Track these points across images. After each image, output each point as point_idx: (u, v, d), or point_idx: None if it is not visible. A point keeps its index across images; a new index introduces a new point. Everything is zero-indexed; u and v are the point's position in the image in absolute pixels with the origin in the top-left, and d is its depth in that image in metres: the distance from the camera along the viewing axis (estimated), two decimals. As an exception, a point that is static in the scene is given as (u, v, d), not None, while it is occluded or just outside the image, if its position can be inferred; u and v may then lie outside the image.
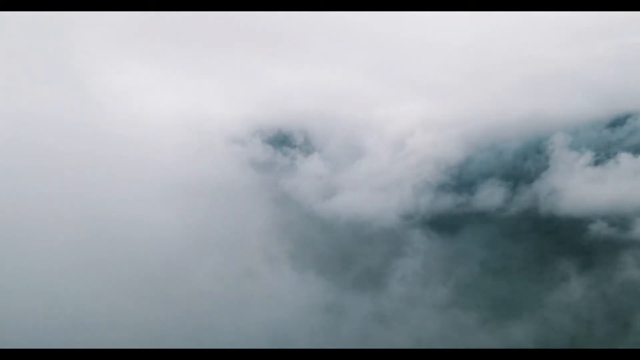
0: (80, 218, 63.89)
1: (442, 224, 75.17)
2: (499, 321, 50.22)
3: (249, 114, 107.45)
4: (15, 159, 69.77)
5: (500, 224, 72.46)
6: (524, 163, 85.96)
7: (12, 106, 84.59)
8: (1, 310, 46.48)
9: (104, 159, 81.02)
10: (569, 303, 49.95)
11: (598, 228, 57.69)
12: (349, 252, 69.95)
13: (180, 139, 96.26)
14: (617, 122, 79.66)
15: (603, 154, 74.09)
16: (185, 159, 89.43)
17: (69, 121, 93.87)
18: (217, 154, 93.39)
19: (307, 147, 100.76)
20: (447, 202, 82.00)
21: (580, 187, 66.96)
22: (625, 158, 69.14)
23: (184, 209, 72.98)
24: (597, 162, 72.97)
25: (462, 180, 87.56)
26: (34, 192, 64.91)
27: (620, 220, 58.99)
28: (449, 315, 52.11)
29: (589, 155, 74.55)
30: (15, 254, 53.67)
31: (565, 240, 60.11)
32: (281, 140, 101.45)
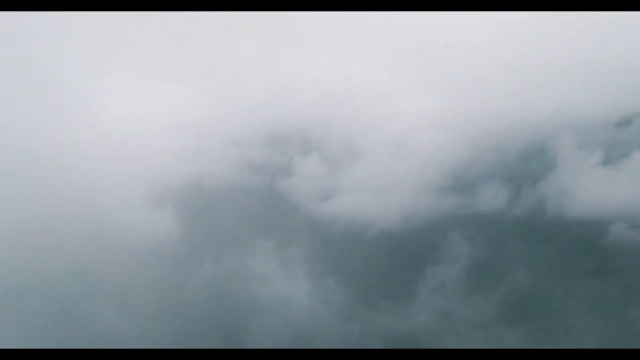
0: (75, 222, 63.14)
1: (445, 226, 73.57)
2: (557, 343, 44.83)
3: (246, 115, 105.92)
4: (6, 163, 68.97)
5: (504, 226, 70.85)
6: (528, 164, 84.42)
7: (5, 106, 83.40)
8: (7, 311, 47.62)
9: (98, 161, 79.78)
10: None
11: (618, 230, 55.19)
12: (367, 257, 67.76)
13: (176, 141, 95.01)
14: (625, 122, 78.27)
15: (617, 153, 72.24)
16: (182, 161, 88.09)
17: (62, 123, 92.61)
18: (215, 156, 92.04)
19: (305, 146, 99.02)
20: (449, 203, 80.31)
21: (592, 188, 64.94)
22: (638, 157, 67.29)
23: (181, 212, 71.70)
24: (606, 162, 71.31)
25: (464, 181, 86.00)
26: (25, 195, 64.04)
27: (640, 222, 56.43)
28: (492, 334, 47.49)
29: (599, 155, 72.81)
30: (12, 256, 53.62)
31: (584, 243, 57.49)
32: (279, 141, 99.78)
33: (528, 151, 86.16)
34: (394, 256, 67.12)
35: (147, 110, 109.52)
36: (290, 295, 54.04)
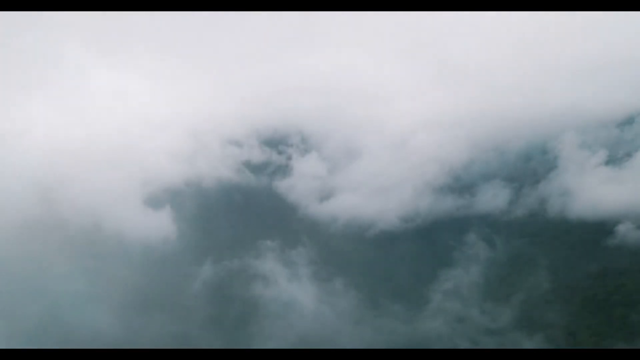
0: (71, 223, 62.53)
1: (445, 227, 72.90)
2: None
3: (245, 114, 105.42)
4: (1, 163, 68.50)
5: (505, 226, 70.03)
6: (528, 164, 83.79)
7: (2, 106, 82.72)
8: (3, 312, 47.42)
9: (95, 161, 79.02)
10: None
11: (625, 230, 53.99)
12: (371, 258, 66.73)
13: (174, 141, 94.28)
14: (628, 121, 77.61)
15: (621, 152, 71.20)
16: (179, 161, 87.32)
17: (60, 123, 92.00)
18: (213, 156, 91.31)
19: (304, 146, 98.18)
20: (449, 204, 79.67)
21: (595, 188, 63.71)
22: (642, 156, 66.06)
23: (179, 212, 70.92)
24: (609, 162, 70.26)
25: (465, 181, 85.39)
26: (21, 196, 63.46)
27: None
28: (508, 341, 45.30)
29: (602, 154, 71.81)
30: (8, 257, 53.43)
31: (588, 245, 56.10)
32: (277, 140, 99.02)
33: (529, 151, 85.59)
34: (398, 257, 66.35)
35: (144, 110, 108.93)
36: (294, 298, 53.04)
